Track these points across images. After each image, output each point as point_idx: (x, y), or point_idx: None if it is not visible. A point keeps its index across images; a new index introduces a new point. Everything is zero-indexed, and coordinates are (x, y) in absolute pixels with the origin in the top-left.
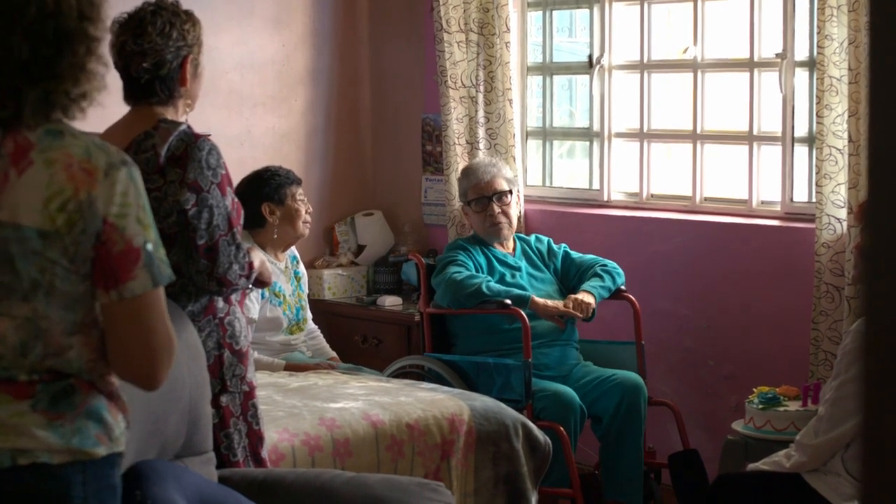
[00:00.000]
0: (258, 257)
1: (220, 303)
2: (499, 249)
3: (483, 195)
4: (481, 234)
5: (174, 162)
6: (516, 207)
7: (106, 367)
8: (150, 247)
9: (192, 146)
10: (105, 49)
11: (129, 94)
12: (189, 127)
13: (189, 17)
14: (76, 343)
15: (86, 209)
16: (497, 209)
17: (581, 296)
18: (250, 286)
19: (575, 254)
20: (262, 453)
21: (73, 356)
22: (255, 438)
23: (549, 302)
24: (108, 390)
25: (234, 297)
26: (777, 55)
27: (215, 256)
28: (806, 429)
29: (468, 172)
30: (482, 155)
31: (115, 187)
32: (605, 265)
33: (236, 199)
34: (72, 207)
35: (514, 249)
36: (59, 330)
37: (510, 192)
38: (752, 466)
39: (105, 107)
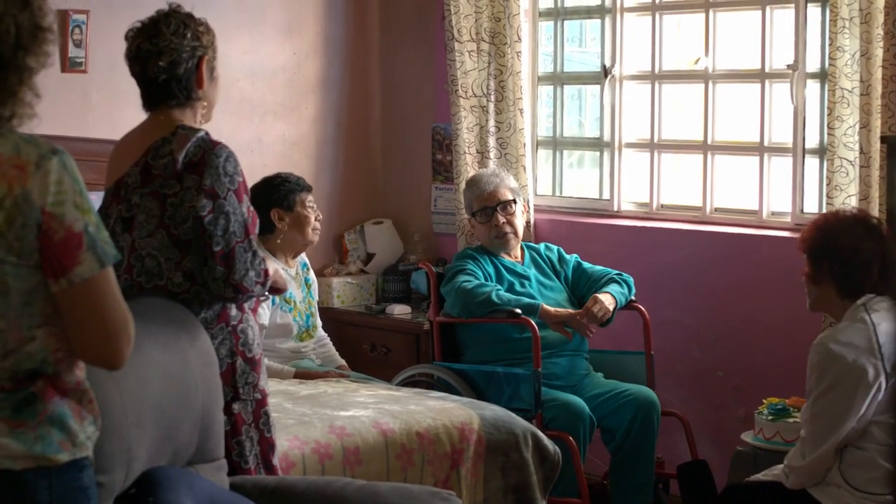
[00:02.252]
0: (271, 266)
1: (234, 310)
2: (507, 258)
3: (487, 206)
4: (488, 246)
5: (191, 168)
6: (522, 217)
7: (74, 357)
8: (91, 229)
9: (210, 152)
10: (42, 78)
11: (148, 99)
12: (207, 133)
13: (203, 22)
14: (40, 335)
15: (22, 203)
16: (501, 219)
17: (602, 297)
18: (266, 293)
19: (586, 264)
20: (273, 460)
21: (34, 349)
22: (267, 446)
23: (560, 310)
24: (75, 387)
25: (247, 305)
26: (788, 66)
27: (232, 263)
28: (793, 451)
29: (472, 184)
30: (492, 164)
31: (48, 177)
32: (620, 274)
33: (251, 207)
34: (8, 204)
35: (523, 258)
36: (20, 325)
37: (514, 201)
38: (754, 478)
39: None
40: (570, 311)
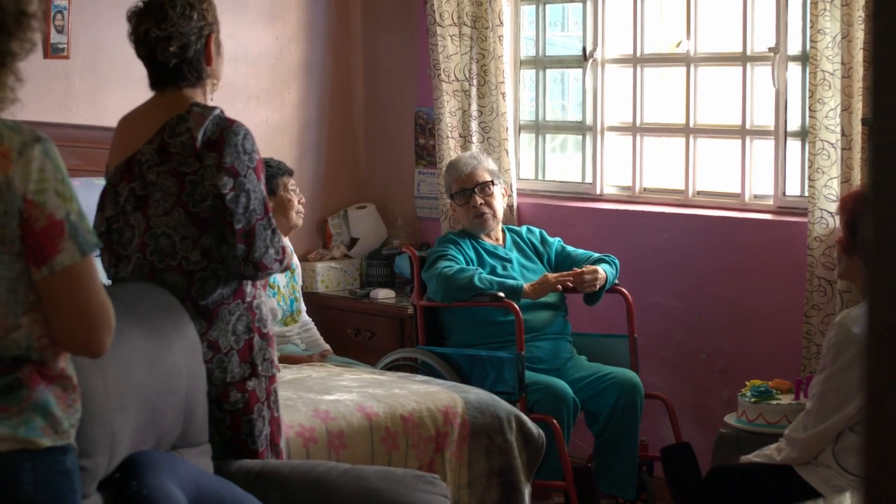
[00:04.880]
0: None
1: (249, 287)
2: (488, 242)
3: (465, 187)
4: (467, 227)
5: (210, 146)
6: (502, 199)
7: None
8: (73, 217)
9: (228, 130)
10: (24, 64)
11: (156, 81)
12: (221, 111)
13: None
14: (25, 322)
15: (5, 191)
16: (480, 200)
17: (598, 267)
18: (283, 271)
19: (570, 247)
20: (280, 443)
21: (20, 336)
22: (276, 426)
23: (536, 283)
24: (60, 374)
25: (259, 282)
26: (770, 49)
27: (252, 241)
28: (794, 423)
29: (451, 167)
30: (475, 148)
31: (30, 165)
32: (607, 255)
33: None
34: None
35: (504, 241)
36: (4, 312)
37: (493, 182)
38: (743, 459)
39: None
40: (552, 274)
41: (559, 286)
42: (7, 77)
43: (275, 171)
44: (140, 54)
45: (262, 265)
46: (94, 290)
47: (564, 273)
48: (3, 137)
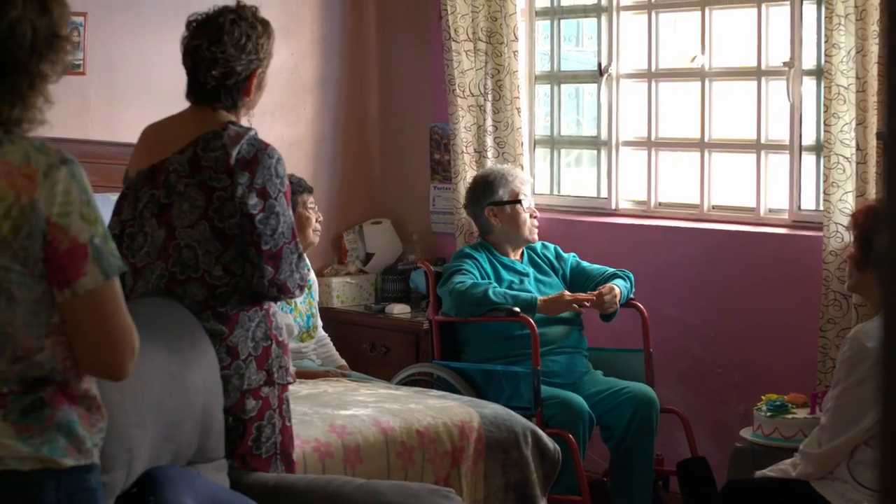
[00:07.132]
0: None
1: None
2: (506, 256)
3: (521, 197)
4: (523, 235)
5: (244, 165)
6: None
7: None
8: (97, 241)
9: (262, 152)
10: (54, 86)
11: (192, 94)
12: (256, 133)
13: (266, 28)
14: (49, 344)
15: (29, 213)
16: (535, 209)
17: (616, 288)
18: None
19: (585, 263)
20: (292, 454)
21: (44, 358)
22: (288, 437)
23: (551, 299)
24: (84, 395)
25: None
26: (784, 64)
27: (278, 263)
28: (809, 438)
29: (503, 175)
30: (490, 164)
31: (55, 187)
32: (623, 270)
33: None
34: (15, 213)
35: (522, 256)
36: (27, 334)
37: None
38: (759, 473)
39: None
40: (566, 293)
41: (575, 306)
42: (36, 98)
43: (295, 188)
44: (185, 64)
45: (286, 288)
46: (116, 313)
47: (581, 295)
48: (30, 159)
